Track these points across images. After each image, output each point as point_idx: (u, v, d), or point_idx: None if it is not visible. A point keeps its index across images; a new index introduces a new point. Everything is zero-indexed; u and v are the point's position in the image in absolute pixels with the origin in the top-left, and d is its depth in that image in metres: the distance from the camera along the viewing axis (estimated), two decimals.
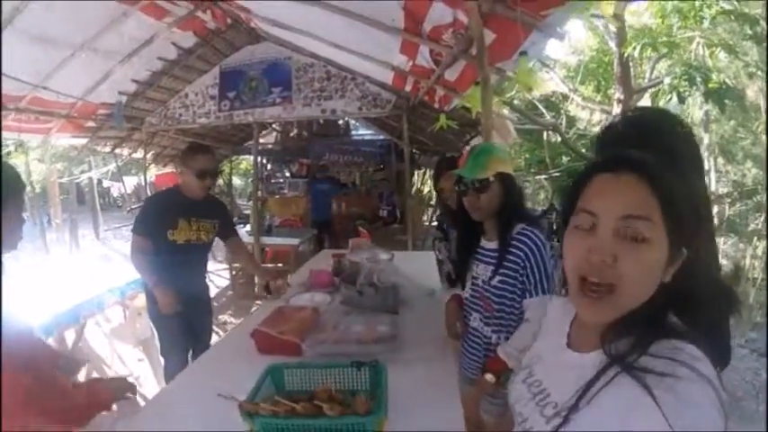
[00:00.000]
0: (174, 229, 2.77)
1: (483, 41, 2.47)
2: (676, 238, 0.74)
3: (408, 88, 4.96)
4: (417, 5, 2.86)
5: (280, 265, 6.64)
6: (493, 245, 1.83)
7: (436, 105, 4.98)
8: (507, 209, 1.78)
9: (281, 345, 2.02)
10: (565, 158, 14.35)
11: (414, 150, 8.38)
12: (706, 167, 9.88)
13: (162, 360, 3.04)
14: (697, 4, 5.31)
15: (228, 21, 5.38)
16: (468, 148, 7.51)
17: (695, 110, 7.13)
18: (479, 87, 3.02)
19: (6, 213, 1.45)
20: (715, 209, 10.71)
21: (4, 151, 12.02)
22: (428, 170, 10.87)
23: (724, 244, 11.58)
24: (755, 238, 9.97)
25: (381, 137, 9.96)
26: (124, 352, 4.08)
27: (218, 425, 1.48)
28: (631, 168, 0.76)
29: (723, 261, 11.62)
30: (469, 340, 1.97)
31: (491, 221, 1.84)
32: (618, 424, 0.69)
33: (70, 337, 3.38)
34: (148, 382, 3.82)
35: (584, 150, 11.18)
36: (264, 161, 11.43)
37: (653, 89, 7.70)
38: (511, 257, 1.74)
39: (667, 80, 6.29)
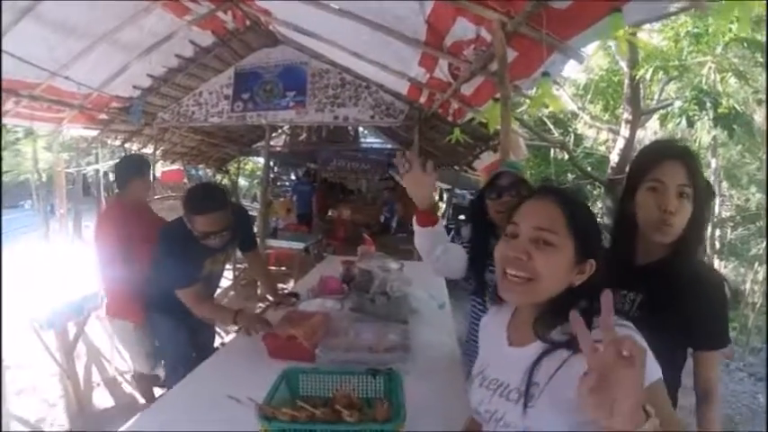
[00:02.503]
0: (201, 271, 2.55)
1: (505, 60, 2.49)
2: (581, 248, 0.98)
3: (423, 100, 4.98)
4: (442, 21, 2.89)
5: (283, 268, 6.65)
6: None
7: (450, 118, 5.01)
8: None
9: (292, 349, 2.03)
10: (570, 176, 14.38)
11: None
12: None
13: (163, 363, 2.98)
14: (711, 30, 5.36)
15: (247, 22, 5.42)
16: (479, 162, 7.54)
17: (703, 134, 7.17)
18: (497, 104, 3.06)
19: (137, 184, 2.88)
20: (717, 232, 10.73)
21: (12, 137, 12.08)
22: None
23: (724, 267, 11.58)
24: (756, 263, 9.98)
25: (389, 146, 10.00)
26: None
27: (228, 427, 1.50)
28: (549, 194, 1.03)
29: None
30: None
31: None
32: (567, 394, 0.85)
33: (72, 330, 3.36)
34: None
35: (589, 169, 11.21)
36: (271, 164, 11.46)
37: (661, 111, 7.73)
38: None
39: (678, 104, 6.32)
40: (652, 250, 1.43)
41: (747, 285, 10.00)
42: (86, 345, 3.81)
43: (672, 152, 1.36)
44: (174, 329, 2.66)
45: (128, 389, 3.71)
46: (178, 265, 2.38)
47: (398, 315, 2.48)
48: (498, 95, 3.20)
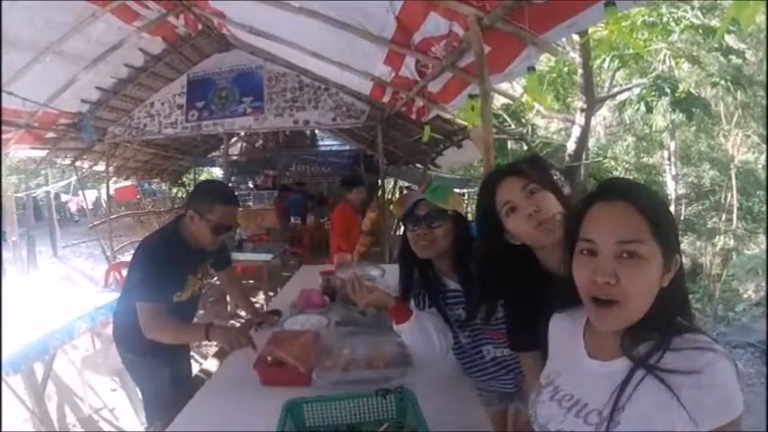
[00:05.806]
0: (183, 290, 2.30)
1: (483, 56, 2.42)
2: (667, 249, 0.86)
3: (387, 99, 4.89)
4: (413, 17, 2.79)
5: (251, 281, 6.43)
6: None
7: (413, 116, 4.94)
8: (459, 249, 1.71)
9: (286, 374, 1.89)
10: None
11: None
12: (673, 172, 10.29)
13: (139, 394, 2.73)
14: (664, 19, 5.47)
15: (199, 27, 5.20)
16: (443, 159, 7.50)
17: (658, 118, 7.36)
18: (473, 101, 3.00)
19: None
20: (672, 209, 11.18)
21: None
22: (397, 180, 10.84)
23: (682, 242, 12.11)
24: (716, 236, 10.39)
25: (348, 147, 9.87)
26: (96, 382, 3.79)
27: None
28: (623, 196, 0.89)
29: (684, 260, 12.19)
30: (494, 368, 1.85)
31: (449, 262, 1.76)
32: (647, 425, 0.82)
33: (39, 370, 3.09)
34: (125, 413, 3.57)
35: (547, 158, 11.39)
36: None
37: (618, 98, 7.89)
38: None
39: (636, 91, 6.47)
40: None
41: (707, 258, 10.40)
42: (56, 384, 3.53)
43: (505, 172, 1.34)
44: (154, 365, 2.38)
45: (105, 427, 3.46)
46: (159, 279, 2.12)
47: (389, 325, 2.37)
48: (472, 92, 3.16)
